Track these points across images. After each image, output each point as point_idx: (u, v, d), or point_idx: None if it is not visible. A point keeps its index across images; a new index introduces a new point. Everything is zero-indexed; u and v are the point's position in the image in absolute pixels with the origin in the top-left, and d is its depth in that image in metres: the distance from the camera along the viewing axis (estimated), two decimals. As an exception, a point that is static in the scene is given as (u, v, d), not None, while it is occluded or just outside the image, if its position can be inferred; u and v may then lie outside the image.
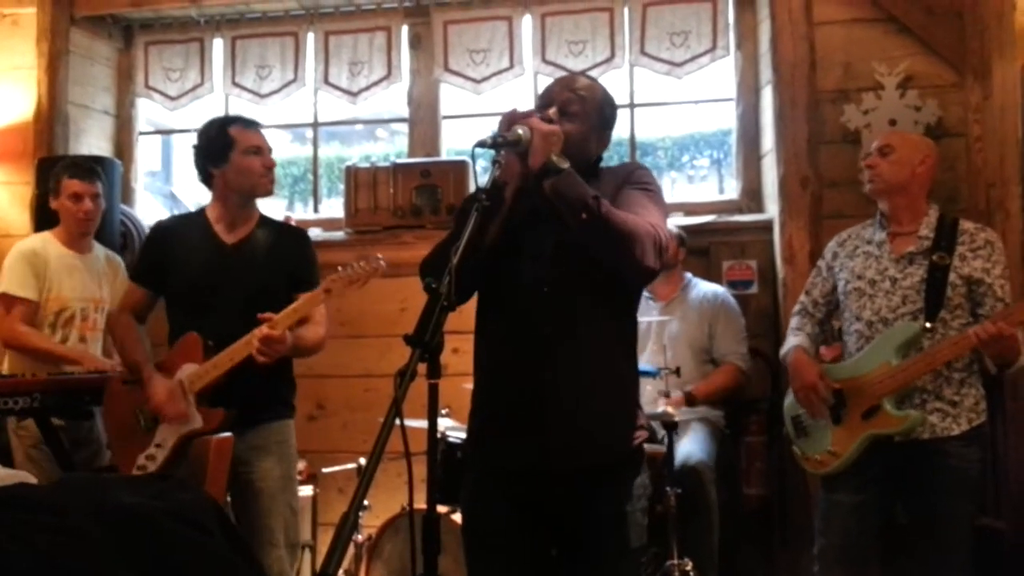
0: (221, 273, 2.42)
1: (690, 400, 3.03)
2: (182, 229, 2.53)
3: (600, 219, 1.63)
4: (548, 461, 1.71)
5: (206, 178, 2.49)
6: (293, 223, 3.12)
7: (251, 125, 2.50)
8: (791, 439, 2.59)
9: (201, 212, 2.55)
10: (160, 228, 2.60)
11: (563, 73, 3.65)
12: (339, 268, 2.34)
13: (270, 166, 2.47)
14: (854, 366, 2.45)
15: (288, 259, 2.47)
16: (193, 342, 2.37)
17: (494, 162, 1.64)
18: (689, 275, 3.32)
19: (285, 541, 2.41)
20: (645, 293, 3.23)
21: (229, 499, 2.47)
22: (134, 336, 2.48)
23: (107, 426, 2.59)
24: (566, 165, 1.65)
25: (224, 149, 2.43)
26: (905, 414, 2.34)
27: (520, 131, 1.65)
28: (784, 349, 2.59)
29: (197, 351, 2.36)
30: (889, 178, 2.44)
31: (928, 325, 2.34)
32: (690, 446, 2.94)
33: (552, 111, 1.76)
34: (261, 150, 2.46)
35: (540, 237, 1.75)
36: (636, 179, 1.81)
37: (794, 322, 2.63)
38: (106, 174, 3.48)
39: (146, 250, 2.59)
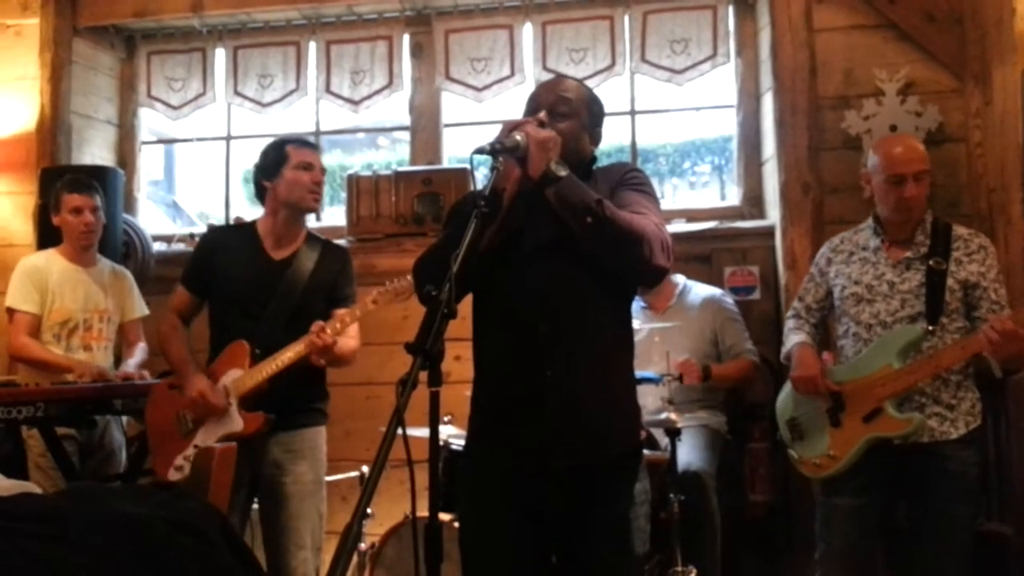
0: (268, 289, 2.51)
1: (706, 373, 3.02)
2: (233, 240, 2.64)
3: (605, 222, 1.63)
4: (549, 458, 1.71)
5: (260, 192, 2.61)
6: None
7: (307, 145, 2.63)
8: (786, 443, 2.58)
9: (252, 225, 2.66)
10: (211, 236, 2.74)
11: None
12: (386, 283, 2.50)
13: (318, 181, 2.57)
14: (853, 369, 2.45)
15: (330, 278, 2.58)
16: (241, 349, 2.47)
17: (492, 168, 1.65)
18: (682, 279, 3.30)
19: (311, 544, 2.48)
20: (641, 303, 3.22)
21: (256, 502, 2.54)
22: (178, 336, 2.58)
23: (149, 429, 2.66)
24: (564, 172, 1.66)
25: (278, 163, 2.55)
26: (908, 417, 2.34)
27: (518, 137, 1.66)
28: (787, 346, 2.59)
29: (244, 357, 2.45)
30: (924, 204, 2.43)
31: (930, 328, 2.34)
32: (690, 454, 2.94)
33: (542, 114, 1.77)
34: (312, 167, 2.57)
35: (537, 237, 1.75)
36: (631, 180, 1.83)
37: (791, 323, 2.63)
38: (108, 184, 3.51)
39: (196, 256, 2.68)
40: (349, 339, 2.54)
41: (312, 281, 2.53)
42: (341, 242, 3.78)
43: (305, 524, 2.46)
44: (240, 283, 2.52)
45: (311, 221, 4.16)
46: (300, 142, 2.63)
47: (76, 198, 3.11)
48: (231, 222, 3.92)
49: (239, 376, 2.43)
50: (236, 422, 2.40)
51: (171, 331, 2.59)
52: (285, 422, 2.47)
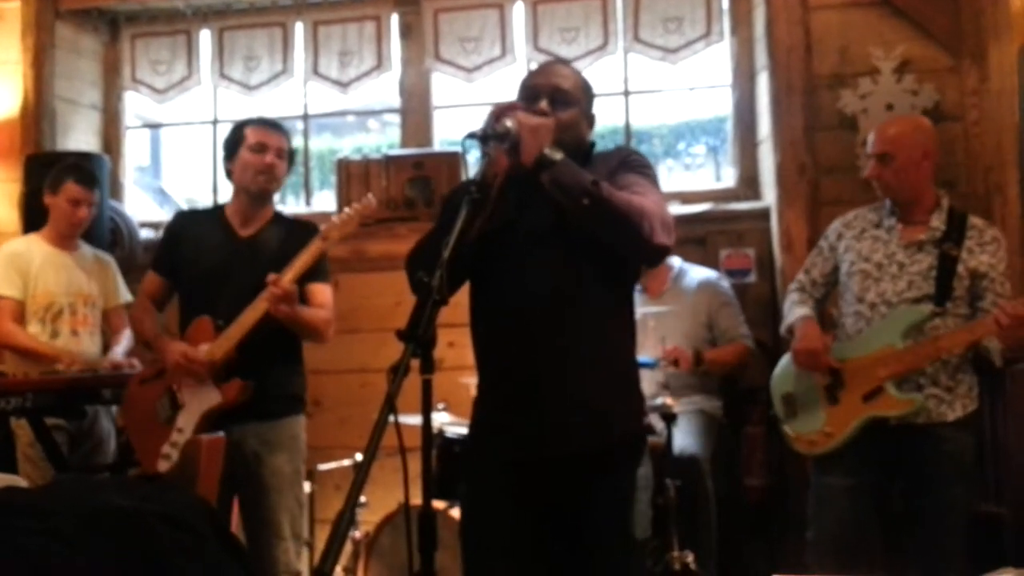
0: (232, 264, 2.48)
1: (698, 359, 2.99)
2: (200, 222, 2.63)
3: (603, 202, 1.61)
4: (548, 446, 1.70)
5: (228, 174, 2.60)
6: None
7: (266, 125, 2.57)
8: (780, 418, 2.57)
9: (221, 207, 2.65)
10: (179, 218, 2.71)
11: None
12: (332, 217, 2.42)
13: (270, 164, 2.50)
14: (854, 347, 2.44)
15: (297, 252, 2.47)
16: (203, 324, 2.44)
17: (484, 155, 1.63)
18: (678, 262, 3.26)
19: (291, 533, 2.47)
20: (637, 286, 3.19)
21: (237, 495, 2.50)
22: (149, 316, 2.59)
23: (129, 429, 2.65)
24: (559, 156, 1.63)
25: (235, 145, 2.53)
26: (910, 398, 2.33)
27: (509, 124, 1.64)
28: (790, 318, 2.56)
29: (208, 331, 2.42)
30: (896, 186, 2.43)
31: (937, 310, 2.33)
32: (684, 438, 2.92)
33: (543, 103, 1.75)
34: (264, 148, 2.51)
35: (534, 225, 1.73)
36: (631, 162, 1.81)
37: (794, 296, 2.61)
38: (94, 170, 3.44)
39: (164, 239, 2.68)
40: (318, 309, 2.49)
41: (279, 256, 2.45)
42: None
43: (285, 515, 2.44)
44: (206, 261, 2.50)
45: (301, 205, 4.17)
46: (262, 122, 2.57)
47: (78, 191, 3.06)
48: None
49: (207, 349, 2.40)
50: (214, 395, 2.37)
51: (143, 313, 2.61)
52: (261, 412, 2.42)
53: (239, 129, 2.55)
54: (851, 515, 2.40)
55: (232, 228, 2.55)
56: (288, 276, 2.33)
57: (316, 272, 2.49)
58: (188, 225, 2.62)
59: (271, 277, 2.31)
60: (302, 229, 2.57)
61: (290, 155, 2.59)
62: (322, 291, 2.52)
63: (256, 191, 2.52)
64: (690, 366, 2.97)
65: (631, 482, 1.74)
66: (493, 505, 1.76)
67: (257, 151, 2.50)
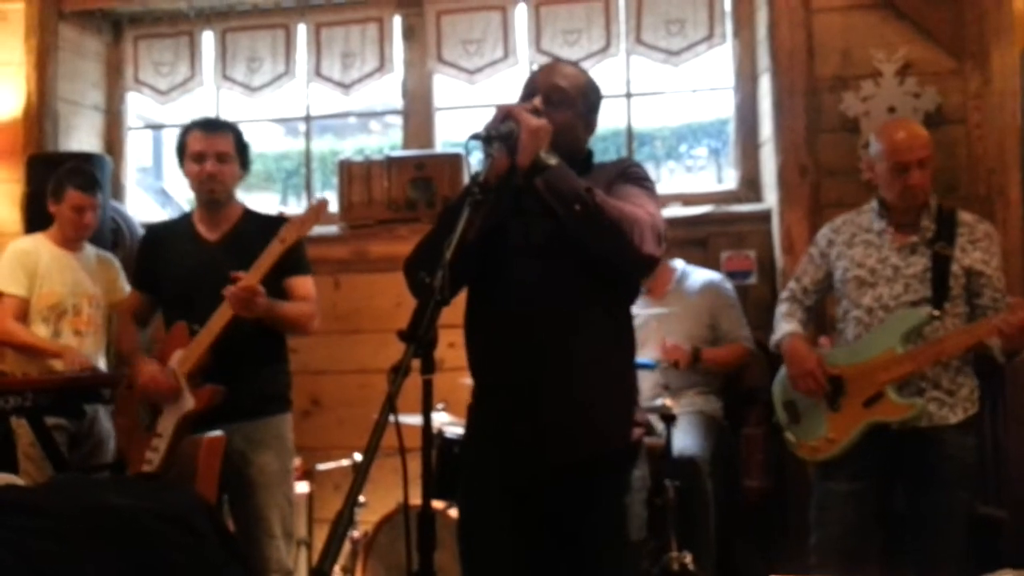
0: (204, 270, 2.47)
1: (696, 355, 2.99)
2: (170, 232, 2.65)
3: (594, 209, 1.60)
4: (543, 454, 1.71)
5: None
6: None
7: (205, 128, 2.53)
8: (782, 425, 2.57)
9: (189, 214, 2.65)
10: (149, 233, 2.74)
11: (557, 63, 3.63)
12: (291, 218, 2.42)
13: (209, 174, 2.48)
14: (854, 352, 2.43)
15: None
16: (179, 330, 2.46)
17: (487, 155, 1.62)
18: (681, 264, 3.26)
19: (282, 531, 2.47)
20: (640, 288, 3.18)
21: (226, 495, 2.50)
22: (127, 332, 2.62)
23: (118, 433, 2.73)
24: (554, 161, 1.63)
25: (181, 155, 2.55)
26: (911, 402, 2.33)
27: (512, 125, 1.63)
28: (777, 335, 2.56)
29: (184, 337, 2.44)
30: (928, 190, 2.41)
31: (936, 313, 2.33)
32: (684, 439, 2.92)
33: (537, 100, 1.74)
34: (202, 156, 2.49)
35: (530, 231, 1.73)
36: (630, 174, 1.80)
37: (784, 308, 2.60)
38: (96, 171, 3.45)
39: (138, 256, 2.71)
40: (299, 303, 2.49)
41: (250, 255, 2.42)
42: (332, 229, 3.77)
43: (274, 513, 2.45)
44: (177, 270, 2.52)
45: (302, 206, 4.17)
46: (202, 126, 2.54)
47: (82, 197, 3.07)
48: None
49: (181, 354, 2.42)
50: (188, 401, 2.39)
51: (122, 329, 2.67)
52: (245, 411, 2.43)
53: (183, 135, 2.54)
54: (854, 520, 2.40)
55: (199, 234, 2.55)
56: (251, 277, 2.32)
57: (295, 266, 2.49)
58: (158, 238, 2.63)
59: (234, 276, 2.31)
60: (272, 225, 2.52)
61: (240, 151, 2.55)
62: (303, 284, 2.52)
63: (204, 200, 2.53)
64: (688, 363, 2.97)
65: (626, 484, 1.74)
66: (490, 509, 1.76)
67: (196, 160, 2.49)
